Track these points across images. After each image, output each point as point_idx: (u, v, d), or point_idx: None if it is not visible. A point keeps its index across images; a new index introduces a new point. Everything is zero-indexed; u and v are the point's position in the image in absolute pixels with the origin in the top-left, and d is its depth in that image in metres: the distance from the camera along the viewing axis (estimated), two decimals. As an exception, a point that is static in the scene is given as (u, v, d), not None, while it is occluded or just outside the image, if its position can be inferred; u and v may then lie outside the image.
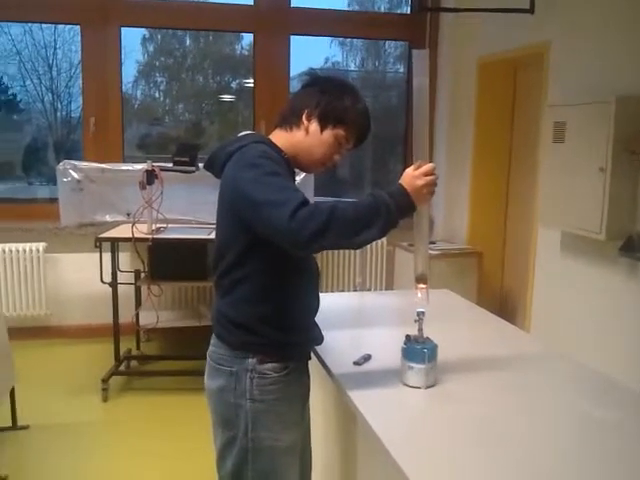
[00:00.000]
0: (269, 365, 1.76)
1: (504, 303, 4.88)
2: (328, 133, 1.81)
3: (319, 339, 1.95)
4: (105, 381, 3.93)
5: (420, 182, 1.66)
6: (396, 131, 5.81)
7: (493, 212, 4.87)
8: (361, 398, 1.78)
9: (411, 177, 1.67)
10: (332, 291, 5.00)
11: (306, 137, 1.82)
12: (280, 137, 1.86)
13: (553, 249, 3.86)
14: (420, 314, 1.87)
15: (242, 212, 1.68)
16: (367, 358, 2.07)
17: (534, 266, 4.09)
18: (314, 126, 1.81)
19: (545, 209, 3.77)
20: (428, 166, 1.68)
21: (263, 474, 1.80)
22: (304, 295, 1.85)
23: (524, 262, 4.35)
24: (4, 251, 4.75)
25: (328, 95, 1.82)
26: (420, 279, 1.80)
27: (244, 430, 1.77)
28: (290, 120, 1.85)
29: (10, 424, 3.45)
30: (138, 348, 4.62)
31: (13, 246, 4.76)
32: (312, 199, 4.80)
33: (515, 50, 4.28)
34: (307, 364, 1.96)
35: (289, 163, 1.82)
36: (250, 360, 1.76)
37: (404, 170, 1.69)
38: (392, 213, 1.61)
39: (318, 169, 1.92)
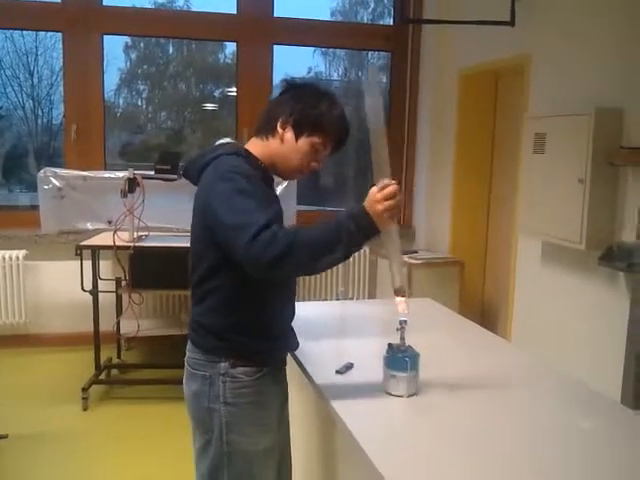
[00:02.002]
0: (241, 369, 1.77)
1: (485, 312, 4.91)
2: (303, 141, 1.81)
3: (294, 345, 1.96)
4: (85, 390, 3.89)
5: (380, 207, 1.60)
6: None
7: (475, 221, 4.91)
8: (343, 407, 1.78)
9: (373, 201, 1.61)
10: (314, 300, 5.01)
11: (281, 146, 1.82)
12: (257, 146, 1.86)
13: (534, 258, 3.89)
14: (402, 323, 1.88)
15: (211, 228, 1.71)
16: (349, 367, 2.07)
17: (515, 275, 4.12)
18: (289, 135, 1.81)
19: (526, 219, 3.81)
20: (390, 189, 1.62)
21: (238, 477, 1.81)
22: (277, 305, 1.85)
23: (505, 271, 4.38)
24: (-17, 259, 4.69)
25: (302, 103, 1.82)
26: (399, 292, 1.78)
27: (219, 434, 1.79)
28: (266, 129, 1.85)
29: (-12, 434, 3.41)
30: (119, 357, 4.59)
31: (-8, 253, 4.71)
32: (294, 208, 4.81)
33: (496, 62, 4.33)
34: (283, 369, 1.96)
35: (267, 172, 1.83)
36: (222, 364, 1.77)
37: (370, 188, 1.66)
38: (354, 237, 1.60)
39: (297, 176, 1.93)
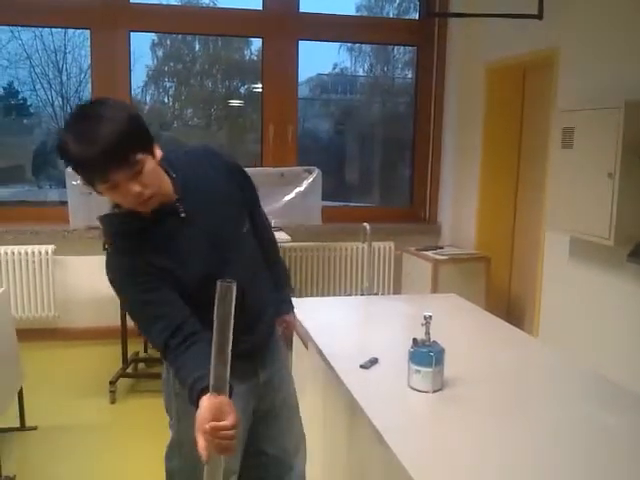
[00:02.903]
0: None
1: (512, 308, 4.87)
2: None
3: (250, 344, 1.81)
4: (113, 383, 3.94)
5: (200, 440, 1.40)
6: (404, 136, 5.82)
7: (501, 217, 4.86)
8: (368, 401, 1.78)
9: (199, 425, 1.41)
10: (339, 295, 5.01)
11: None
12: None
13: (561, 254, 3.85)
14: (427, 318, 1.87)
15: None
16: (374, 361, 2.07)
17: (542, 271, 4.08)
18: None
19: (553, 214, 3.76)
20: (224, 424, 1.39)
21: (189, 465, 1.80)
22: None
23: (532, 267, 4.34)
24: (14, 253, 4.77)
25: None
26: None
27: (174, 421, 1.88)
28: None
29: (18, 425, 3.47)
30: (145, 350, 4.63)
31: (23, 248, 4.79)
32: (320, 204, 4.81)
33: (524, 55, 4.28)
34: (249, 363, 1.85)
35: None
36: None
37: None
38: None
39: (139, 209, 1.63)
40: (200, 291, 1.65)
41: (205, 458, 1.38)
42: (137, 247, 1.64)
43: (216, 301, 1.35)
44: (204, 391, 1.46)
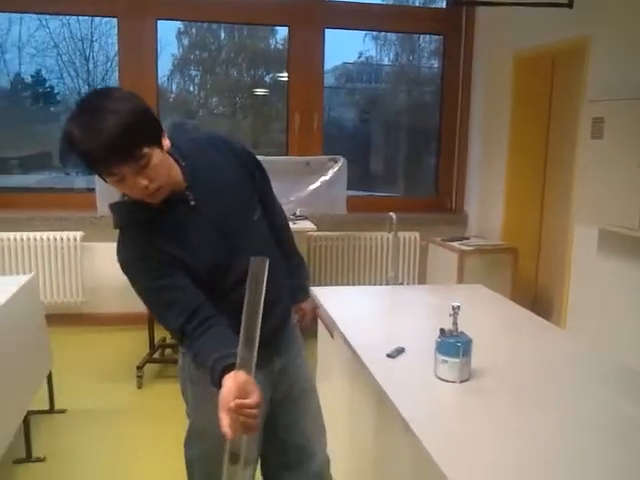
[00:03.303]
0: None
1: (539, 300, 4.83)
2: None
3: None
4: (140, 368, 3.99)
5: (225, 418, 1.41)
6: (430, 125, 5.78)
7: (529, 208, 4.81)
8: (394, 390, 1.79)
9: (224, 404, 1.42)
10: (364, 285, 5.01)
11: None
12: None
13: (590, 246, 3.80)
14: (455, 308, 1.87)
15: None
16: (400, 351, 2.07)
17: (570, 263, 4.04)
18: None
19: (582, 206, 3.72)
20: (249, 412, 1.41)
21: (204, 453, 1.86)
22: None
23: (560, 259, 4.29)
24: (42, 239, 4.85)
25: None
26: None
27: (191, 409, 1.89)
28: None
29: (48, 407, 3.53)
30: (172, 337, 4.67)
31: (51, 234, 4.86)
32: (345, 194, 4.80)
33: (553, 44, 4.22)
34: (264, 351, 1.78)
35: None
36: None
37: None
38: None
39: (148, 200, 1.62)
40: (210, 280, 1.67)
41: (229, 436, 1.39)
42: (147, 236, 1.64)
43: (248, 278, 1.36)
44: (225, 371, 1.47)
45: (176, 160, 1.65)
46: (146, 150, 1.50)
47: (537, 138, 4.74)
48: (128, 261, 1.67)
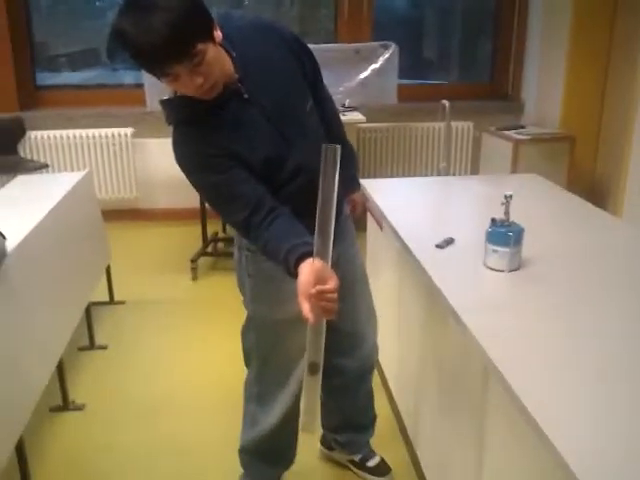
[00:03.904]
0: None
1: (596, 190, 4.67)
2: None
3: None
4: (194, 261, 4.10)
5: (305, 304, 1.41)
6: (486, 5, 5.44)
7: (589, 95, 4.56)
8: (443, 280, 1.78)
9: (304, 290, 1.42)
10: (415, 175, 4.93)
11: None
12: None
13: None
14: (508, 197, 1.81)
15: None
16: (449, 241, 2.05)
17: (630, 153, 3.86)
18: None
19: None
20: (329, 287, 1.41)
21: (262, 340, 1.98)
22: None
23: (620, 147, 4.10)
24: (94, 136, 4.90)
25: None
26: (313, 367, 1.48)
27: (248, 301, 1.93)
28: None
29: (108, 299, 3.69)
30: (224, 231, 4.75)
31: (103, 131, 4.90)
32: (395, 82, 4.63)
33: None
34: None
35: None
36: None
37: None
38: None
39: (203, 97, 1.56)
40: (265, 173, 1.64)
41: (312, 321, 1.42)
42: (202, 132, 1.61)
43: (321, 165, 1.35)
44: (300, 260, 1.48)
45: (227, 51, 1.60)
46: (200, 47, 1.44)
47: (602, 20, 4.41)
48: (185, 159, 1.64)
